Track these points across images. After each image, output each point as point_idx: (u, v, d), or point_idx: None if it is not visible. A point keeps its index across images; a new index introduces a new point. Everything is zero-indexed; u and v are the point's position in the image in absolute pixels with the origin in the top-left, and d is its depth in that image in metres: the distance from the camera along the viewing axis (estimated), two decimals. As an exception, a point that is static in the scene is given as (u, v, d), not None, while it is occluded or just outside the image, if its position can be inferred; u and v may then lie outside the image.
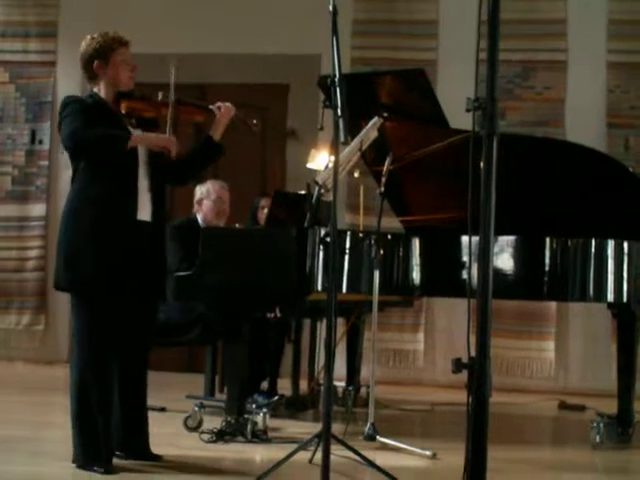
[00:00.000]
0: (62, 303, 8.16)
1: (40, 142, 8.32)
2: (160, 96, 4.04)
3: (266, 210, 6.08)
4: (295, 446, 3.91)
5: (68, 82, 8.33)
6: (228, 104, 4.17)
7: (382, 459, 4.09)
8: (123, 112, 3.97)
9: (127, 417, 4.03)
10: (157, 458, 4.05)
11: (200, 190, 5.83)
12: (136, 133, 3.90)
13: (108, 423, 3.88)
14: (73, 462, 3.88)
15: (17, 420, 5.27)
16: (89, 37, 3.99)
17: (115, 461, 3.92)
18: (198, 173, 4.37)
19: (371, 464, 3.85)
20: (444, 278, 4.96)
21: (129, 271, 3.88)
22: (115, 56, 3.95)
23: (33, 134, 8.33)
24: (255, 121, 4.31)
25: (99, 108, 3.92)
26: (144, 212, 3.94)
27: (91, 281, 3.84)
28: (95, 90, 3.99)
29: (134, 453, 4.03)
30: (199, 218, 5.81)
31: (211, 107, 4.16)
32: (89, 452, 3.84)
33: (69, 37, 8.30)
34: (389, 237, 4.93)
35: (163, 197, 4.07)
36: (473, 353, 2.54)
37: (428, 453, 4.39)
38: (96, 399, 3.84)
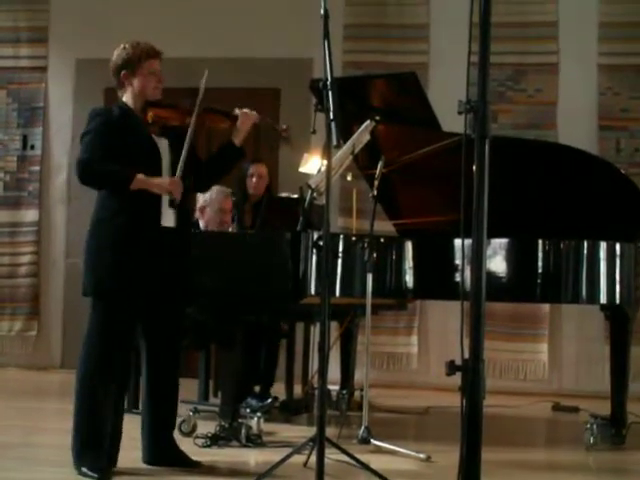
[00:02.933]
0: (55, 309, 8.18)
1: (32, 147, 8.31)
2: (187, 104, 4.07)
3: (255, 179, 6.05)
4: (289, 450, 3.90)
5: (59, 87, 8.34)
6: (250, 111, 4.19)
7: (376, 462, 4.09)
8: (149, 121, 4.00)
9: (157, 423, 4.05)
10: (196, 464, 4.06)
11: (203, 197, 5.76)
12: (139, 177, 3.90)
13: (106, 428, 3.88)
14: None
15: (10, 426, 5.26)
16: (121, 46, 4.04)
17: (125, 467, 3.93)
18: (220, 178, 4.40)
19: (365, 467, 3.84)
20: (437, 281, 4.97)
21: (151, 277, 3.92)
22: (142, 68, 3.99)
23: (25, 139, 8.32)
24: (285, 126, 4.33)
25: (125, 119, 3.97)
26: (167, 219, 3.99)
27: (111, 288, 3.89)
28: (124, 99, 4.05)
29: (167, 460, 4.04)
30: (201, 224, 5.78)
31: (236, 112, 4.18)
32: (86, 455, 3.84)
33: (60, 42, 8.32)
34: (382, 240, 4.93)
35: (187, 203, 4.14)
36: (466, 355, 2.54)
37: (422, 456, 4.40)
38: (99, 404, 3.85)
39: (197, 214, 5.84)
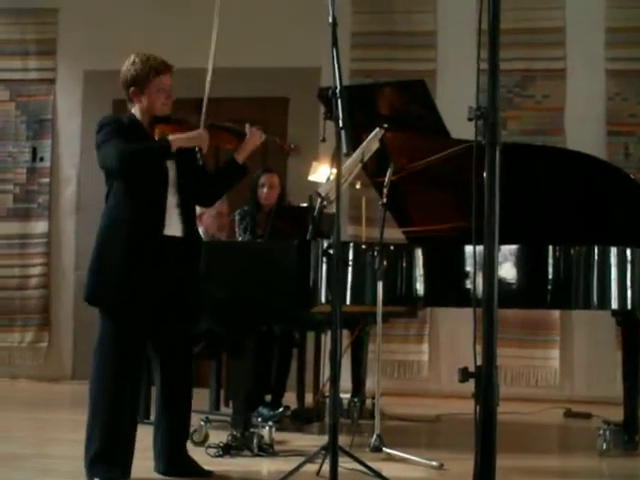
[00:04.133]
0: (65, 320, 8.19)
1: (41, 159, 8.34)
2: (195, 121, 4.08)
3: (266, 189, 6.05)
4: (301, 459, 3.90)
5: (68, 99, 8.37)
6: (257, 130, 4.20)
7: (389, 470, 4.08)
8: (156, 137, 3.99)
9: (170, 435, 4.05)
10: (208, 474, 4.06)
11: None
12: (172, 137, 3.92)
13: (119, 439, 3.88)
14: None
15: (22, 437, 5.27)
16: (130, 59, 4.02)
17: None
18: (223, 193, 4.41)
19: (378, 475, 3.84)
20: (448, 288, 4.96)
21: (158, 287, 3.91)
22: (150, 86, 3.98)
23: (34, 152, 8.35)
24: (293, 145, 4.34)
25: (134, 130, 3.98)
26: (173, 228, 3.98)
27: (118, 298, 3.89)
28: (133, 111, 4.05)
29: (179, 471, 4.04)
30: (200, 231, 5.80)
31: (247, 127, 4.19)
32: (99, 466, 3.83)
33: (68, 54, 8.35)
34: (392, 248, 4.93)
35: (193, 212, 4.16)
36: (479, 362, 2.54)
37: (435, 464, 4.38)
38: (111, 414, 3.85)
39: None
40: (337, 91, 3.47)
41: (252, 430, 4.65)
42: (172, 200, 4.00)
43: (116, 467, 3.85)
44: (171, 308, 4.00)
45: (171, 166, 4.02)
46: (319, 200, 4.49)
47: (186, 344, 4.15)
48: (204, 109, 4.05)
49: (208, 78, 4.07)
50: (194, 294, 4.09)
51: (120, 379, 3.89)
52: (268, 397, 5.83)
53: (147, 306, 3.93)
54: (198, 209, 5.77)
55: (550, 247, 4.79)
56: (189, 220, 4.08)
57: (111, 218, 3.98)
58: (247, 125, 4.21)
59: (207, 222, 5.80)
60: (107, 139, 3.92)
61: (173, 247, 3.97)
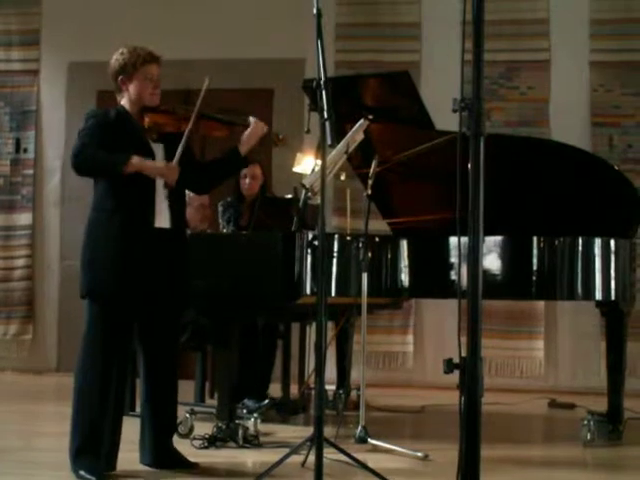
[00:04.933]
0: (50, 312, 8.16)
1: (25, 151, 8.30)
2: (184, 110, 4.08)
3: (248, 180, 6.03)
4: (287, 450, 3.90)
5: (52, 90, 8.33)
6: (260, 122, 4.20)
7: (374, 461, 4.09)
8: (146, 127, 4.00)
9: (157, 426, 4.05)
10: (194, 466, 4.07)
11: None
12: (135, 159, 3.89)
13: (103, 431, 3.87)
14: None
15: (7, 430, 5.25)
16: (119, 50, 4.03)
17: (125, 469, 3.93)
18: (220, 183, 4.40)
19: (363, 466, 3.85)
20: (432, 280, 4.97)
21: (146, 279, 3.92)
22: (138, 74, 3.98)
23: (18, 143, 8.31)
24: (281, 136, 4.35)
25: (121, 122, 3.97)
26: (162, 219, 3.99)
27: (105, 288, 3.89)
28: (122, 102, 4.05)
29: (166, 462, 4.04)
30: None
31: (251, 119, 4.18)
32: (84, 458, 3.83)
33: (52, 45, 8.31)
34: (377, 239, 4.94)
35: (182, 204, 4.16)
36: (464, 353, 2.55)
37: (420, 454, 4.40)
38: (96, 406, 3.85)
39: None
40: (321, 82, 3.47)
41: (237, 422, 4.66)
42: (162, 192, 3.99)
43: (101, 459, 3.85)
44: (159, 300, 4.00)
45: (160, 159, 4.02)
46: (304, 191, 4.49)
47: (172, 336, 4.15)
48: (197, 107, 4.04)
49: (204, 87, 4.04)
50: (181, 286, 4.08)
51: (106, 370, 3.88)
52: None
53: (135, 298, 3.92)
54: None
55: (534, 238, 4.80)
56: (178, 212, 4.08)
57: (100, 210, 3.97)
58: (250, 117, 4.21)
59: (189, 214, 5.76)
60: (83, 130, 3.92)
61: (162, 239, 3.97)
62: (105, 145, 3.89)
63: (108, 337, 3.88)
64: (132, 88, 3.99)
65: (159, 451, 4.05)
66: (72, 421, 3.89)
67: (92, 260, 3.93)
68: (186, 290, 4.13)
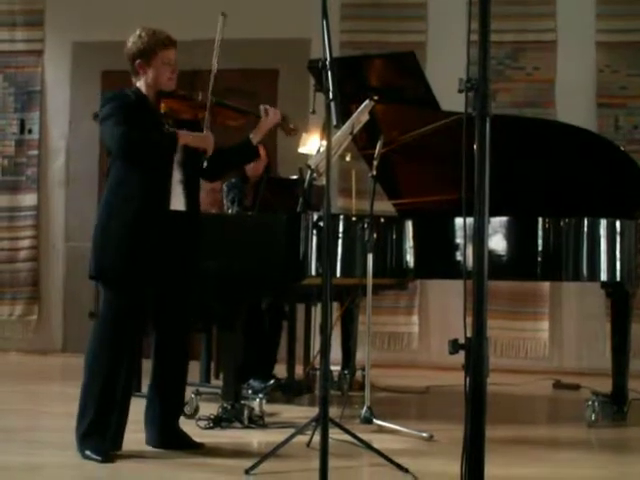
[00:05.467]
0: (55, 293, 8.18)
1: (29, 131, 8.30)
2: (200, 96, 4.08)
3: (252, 164, 6.03)
4: (292, 430, 3.92)
5: (56, 71, 8.32)
6: (273, 111, 4.22)
7: (379, 442, 4.10)
8: (162, 112, 4.00)
9: (164, 408, 4.07)
10: (199, 446, 4.08)
11: None
12: (181, 133, 3.94)
13: (112, 412, 3.89)
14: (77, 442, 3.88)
15: (13, 410, 5.27)
16: (137, 33, 4.01)
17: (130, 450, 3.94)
18: (231, 171, 4.42)
19: (368, 447, 3.86)
20: (438, 260, 4.97)
21: (158, 260, 3.92)
22: (157, 58, 3.98)
23: (22, 124, 8.30)
24: (292, 126, 4.35)
25: (140, 105, 3.97)
26: (177, 202, 4.01)
27: (117, 270, 3.90)
28: (138, 85, 4.04)
29: (172, 443, 4.06)
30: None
31: (262, 108, 4.20)
32: (90, 438, 3.85)
33: (56, 25, 8.29)
34: (382, 220, 4.93)
35: (197, 187, 4.16)
36: (469, 334, 2.55)
37: (425, 435, 4.41)
38: (106, 388, 3.86)
39: None
40: (327, 63, 3.45)
41: (242, 402, 4.67)
42: (176, 176, 4.01)
43: (107, 440, 3.87)
44: (172, 282, 4.01)
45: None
46: (309, 172, 4.48)
47: (184, 318, 4.15)
48: (210, 88, 4.04)
49: (214, 60, 4.05)
50: (194, 268, 4.10)
51: (118, 351, 3.90)
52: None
53: (148, 280, 3.94)
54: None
55: (540, 219, 4.80)
56: (192, 195, 4.10)
57: (117, 194, 3.96)
58: (261, 106, 4.22)
59: (200, 197, 5.75)
60: (111, 115, 3.90)
61: (177, 221, 3.99)
62: (133, 126, 3.88)
63: (122, 319, 3.89)
64: (150, 72, 3.99)
65: (165, 432, 4.06)
66: (80, 400, 3.91)
67: (105, 243, 3.93)
68: (195, 268, 4.12)
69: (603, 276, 4.88)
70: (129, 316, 3.91)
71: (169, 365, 4.09)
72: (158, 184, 3.95)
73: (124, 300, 3.90)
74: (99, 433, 3.85)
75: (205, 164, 4.04)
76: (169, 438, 4.06)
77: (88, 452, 3.82)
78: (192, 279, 4.11)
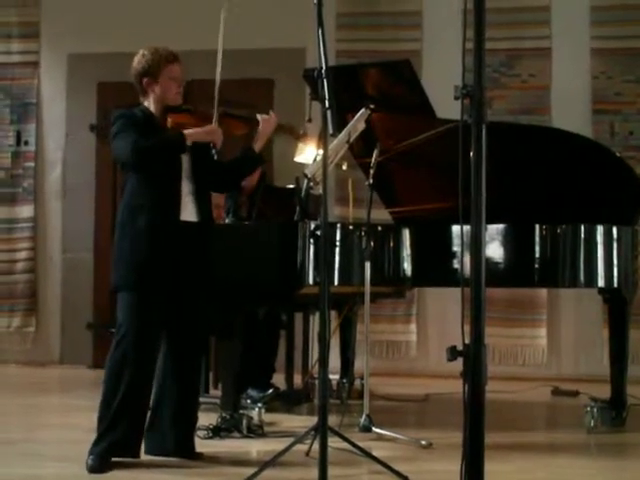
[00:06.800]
0: (52, 304, 8.17)
1: (26, 143, 8.30)
2: (205, 109, 4.12)
3: None
4: (291, 439, 3.91)
5: (52, 83, 8.32)
6: (270, 116, 4.24)
7: (378, 450, 4.10)
8: (169, 127, 4.04)
9: (178, 417, 4.08)
10: (199, 456, 4.10)
11: None
12: (187, 132, 3.98)
13: (137, 426, 3.92)
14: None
15: (11, 422, 5.27)
16: (140, 53, 4.07)
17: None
18: (239, 181, 4.46)
19: (368, 455, 3.86)
20: (435, 268, 4.97)
21: (172, 271, 3.95)
22: (162, 74, 4.03)
23: (18, 136, 8.30)
24: (302, 131, 4.36)
25: (148, 122, 4.02)
26: (187, 213, 4.03)
27: (134, 283, 3.94)
28: (145, 104, 4.09)
29: (178, 451, 4.08)
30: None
31: (258, 117, 4.23)
32: (112, 446, 3.88)
33: (52, 37, 8.29)
34: (379, 228, 4.93)
35: (207, 198, 4.18)
36: (467, 341, 2.55)
37: (424, 442, 4.41)
38: (129, 402, 3.89)
39: None
40: (323, 71, 3.46)
41: (241, 412, 4.67)
42: (186, 188, 4.04)
43: (130, 448, 3.92)
44: (185, 293, 4.03)
45: (185, 155, 4.06)
46: (306, 181, 4.48)
47: (199, 331, 4.17)
48: (216, 98, 4.08)
49: (218, 69, 4.09)
50: (207, 277, 4.13)
51: (139, 363, 3.91)
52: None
53: (164, 291, 3.96)
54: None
55: (537, 226, 4.81)
56: (204, 205, 4.12)
57: (129, 206, 4.02)
58: (258, 115, 4.24)
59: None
60: (121, 131, 3.96)
61: (189, 232, 4.01)
62: (141, 136, 3.93)
63: (141, 331, 3.91)
64: (157, 89, 4.04)
65: (169, 442, 4.08)
66: (101, 415, 3.92)
67: (121, 256, 3.99)
68: (206, 278, 4.14)
69: (600, 282, 4.88)
70: (148, 328, 3.93)
71: (183, 377, 4.10)
72: (167, 195, 3.99)
73: (141, 311, 3.92)
74: (124, 443, 3.89)
75: (215, 156, 4.07)
76: (174, 447, 4.07)
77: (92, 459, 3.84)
78: (206, 289, 4.14)
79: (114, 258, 4.04)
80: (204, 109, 4.14)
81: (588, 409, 4.86)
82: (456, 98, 2.59)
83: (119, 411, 3.87)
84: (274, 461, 3.71)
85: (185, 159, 4.06)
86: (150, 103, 4.08)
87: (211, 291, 4.37)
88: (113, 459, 3.88)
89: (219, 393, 5.15)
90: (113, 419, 3.88)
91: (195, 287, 4.07)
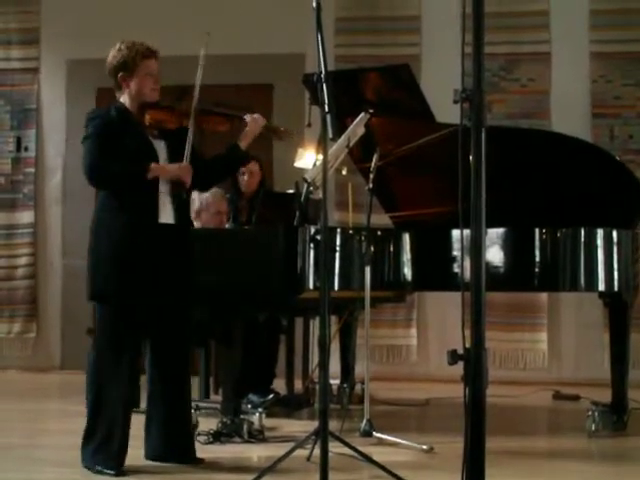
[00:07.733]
0: (53, 310, 8.17)
1: (26, 149, 8.30)
2: (184, 106, 4.07)
3: (246, 177, 6.03)
4: (292, 444, 3.90)
5: (51, 88, 8.32)
6: (257, 116, 4.21)
7: (379, 454, 4.08)
8: (146, 123, 3.99)
9: (169, 420, 4.06)
10: (200, 461, 4.08)
11: (199, 201, 5.68)
12: (152, 167, 3.93)
13: (117, 430, 3.88)
14: (82, 461, 3.89)
15: (12, 427, 5.26)
16: (117, 46, 4.01)
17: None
18: (222, 179, 4.43)
19: (368, 460, 3.85)
20: (435, 272, 4.97)
21: (149, 275, 3.91)
22: (139, 70, 3.97)
23: (19, 142, 8.31)
24: (283, 128, 4.34)
25: (123, 121, 3.97)
26: (165, 215, 3.98)
27: (111, 289, 3.90)
28: (122, 100, 4.03)
29: (175, 456, 4.06)
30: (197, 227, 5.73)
31: (246, 117, 4.19)
32: (99, 454, 3.86)
33: (51, 43, 8.30)
34: (379, 233, 4.93)
35: (186, 200, 4.13)
36: (467, 345, 2.54)
37: (425, 447, 4.40)
38: (110, 406, 3.87)
39: (193, 216, 5.80)
40: (322, 76, 3.46)
41: (242, 417, 4.66)
42: (164, 189, 3.99)
43: (114, 455, 3.87)
44: (165, 296, 3.99)
45: (162, 155, 4.02)
46: (306, 186, 4.48)
47: (183, 334, 4.14)
48: (195, 97, 4.04)
49: (199, 71, 4.06)
50: (188, 281, 4.08)
51: (119, 369, 3.89)
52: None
53: (143, 296, 3.92)
54: (196, 205, 5.73)
55: (537, 230, 4.80)
56: (182, 208, 4.07)
57: (104, 210, 3.97)
58: (247, 115, 4.21)
59: (205, 219, 5.73)
60: (89, 137, 3.93)
61: (167, 235, 3.97)
62: (109, 146, 3.88)
63: (120, 337, 3.89)
64: (133, 85, 3.98)
65: (166, 446, 4.06)
66: (88, 420, 3.92)
67: (98, 263, 3.94)
68: (188, 282, 4.10)
69: (601, 286, 4.87)
70: (126, 333, 3.90)
71: (170, 380, 4.07)
72: (144, 197, 3.93)
73: (120, 317, 3.88)
74: (107, 449, 3.85)
75: (184, 196, 4.04)
76: (170, 452, 4.06)
77: (99, 467, 3.84)
78: (187, 293, 4.09)
79: (90, 264, 3.96)
80: (186, 107, 4.07)
81: (589, 413, 4.85)
82: (455, 102, 2.59)
83: (95, 419, 3.88)
84: (275, 466, 3.70)
85: (162, 157, 4.01)
86: (126, 99, 4.01)
87: (202, 296, 4.36)
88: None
89: (220, 398, 5.15)
90: (92, 427, 3.89)
91: (177, 292, 4.02)
